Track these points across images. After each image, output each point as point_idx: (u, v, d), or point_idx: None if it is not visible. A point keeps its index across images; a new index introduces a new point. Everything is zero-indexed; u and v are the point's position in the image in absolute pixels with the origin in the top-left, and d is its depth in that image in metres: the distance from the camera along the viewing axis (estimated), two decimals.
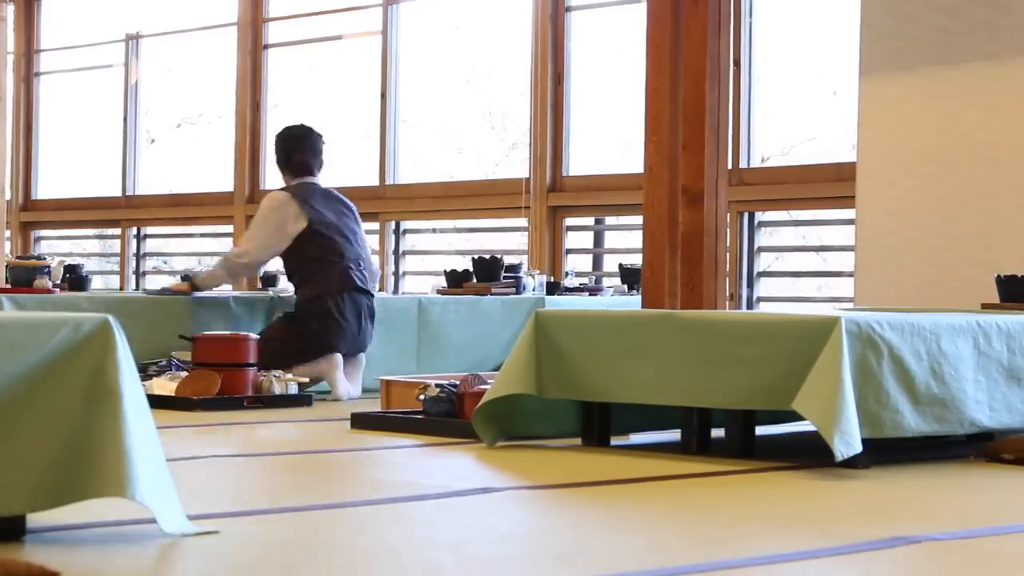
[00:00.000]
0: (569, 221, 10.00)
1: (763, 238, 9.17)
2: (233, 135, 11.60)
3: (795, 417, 4.58)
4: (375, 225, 10.77)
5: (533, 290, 8.42)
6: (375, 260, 7.54)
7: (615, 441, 5.05)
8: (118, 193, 12.46)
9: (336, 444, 5.18)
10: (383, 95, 10.82)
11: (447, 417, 5.43)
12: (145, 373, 6.54)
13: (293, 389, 6.59)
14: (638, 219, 7.57)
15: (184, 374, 6.48)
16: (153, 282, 11.75)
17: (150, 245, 12.55)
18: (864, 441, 4.34)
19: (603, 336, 4.88)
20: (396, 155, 10.84)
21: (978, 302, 6.04)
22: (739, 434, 4.73)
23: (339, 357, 6.97)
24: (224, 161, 11.69)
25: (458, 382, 5.54)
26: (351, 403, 6.70)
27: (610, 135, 10.09)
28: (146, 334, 6.88)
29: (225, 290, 8.41)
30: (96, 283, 11.27)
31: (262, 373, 6.54)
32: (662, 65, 6.50)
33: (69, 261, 10.32)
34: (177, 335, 6.85)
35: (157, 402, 6.13)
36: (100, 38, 12.73)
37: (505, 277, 8.34)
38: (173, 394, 6.33)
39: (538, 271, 8.98)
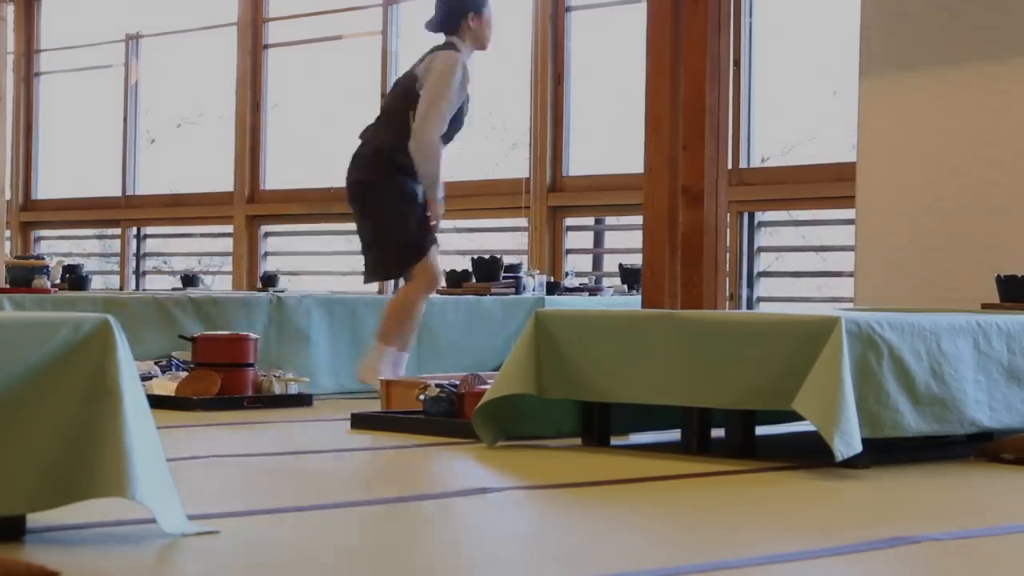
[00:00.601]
0: (569, 221, 10.00)
1: (763, 238, 9.17)
2: (233, 135, 11.60)
3: (795, 417, 4.58)
4: None
5: (533, 290, 8.42)
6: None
7: (615, 441, 5.05)
8: (118, 193, 12.46)
9: (336, 444, 5.18)
10: (383, 95, 10.81)
11: (447, 417, 5.43)
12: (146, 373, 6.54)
13: (293, 389, 6.59)
14: (638, 219, 7.57)
15: (184, 374, 6.48)
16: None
17: (150, 245, 12.55)
18: (864, 441, 4.34)
19: (603, 336, 4.88)
20: None
21: (978, 302, 6.04)
22: (739, 434, 4.73)
23: None
24: (224, 161, 11.69)
25: (458, 382, 5.54)
26: (353, 400, 6.69)
27: (610, 135, 10.09)
28: (146, 334, 6.89)
29: (225, 290, 8.41)
30: (96, 283, 11.27)
31: (262, 372, 6.54)
32: (662, 65, 6.50)
33: (69, 261, 10.33)
34: (177, 335, 6.86)
35: (157, 402, 6.14)
36: (100, 38, 12.73)
37: (505, 277, 8.34)
38: (173, 394, 6.32)
39: (538, 271, 8.98)
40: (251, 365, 6.48)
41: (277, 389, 6.52)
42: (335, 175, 11.26)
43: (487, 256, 8.43)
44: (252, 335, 6.58)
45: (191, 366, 6.53)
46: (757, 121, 9.14)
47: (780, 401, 4.50)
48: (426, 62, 6.67)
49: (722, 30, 6.49)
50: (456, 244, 10.97)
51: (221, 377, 6.34)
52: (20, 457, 2.96)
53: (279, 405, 6.48)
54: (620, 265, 9.20)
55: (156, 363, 6.76)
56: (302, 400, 6.58)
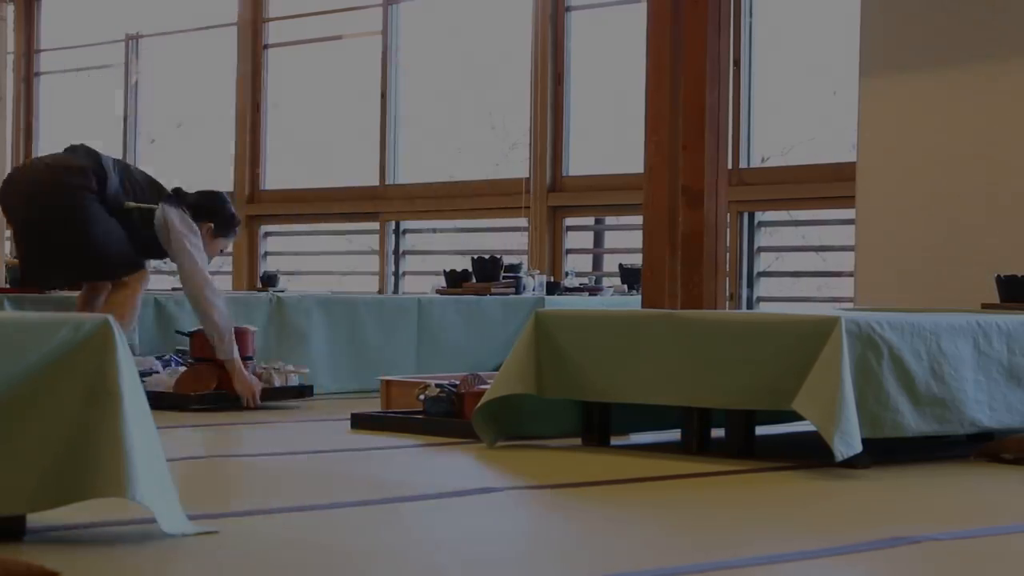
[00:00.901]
0: (569, 221, 10.00)
1: (763, 238, 9.17)
2: (233, 135, 11.60)
3: (795, 417, 4.58)
4: (375, 225, 10.77)
5: (533, 290, 8.42)
6: None
7: (615, 441, 5.05)
8: None
9: (336, 444, 5.18)
10: (383, 95, 10.81)
11: (447, 417, 5.43)
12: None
13: (294, 381, 6.59)
14: (638, 219, 7.57)
15: (183, 369, 6.48)
16: None
17: None
18: (864, 441, 4.34)
19: (603, 336, 4.88)
20: (396, 155, 10.84)
21: (978, 302, 6.04)
22: (739, 434, 4.73)
23: None
24: (224, 161, 11.69)
25: (458, 382, 5.54)
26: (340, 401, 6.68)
27: (610, 135, 10.09)
28: (146, 333, 6.89)
29: (225, 290, 8.40)
30: None
31: (261, 365, 6.54)
32: (662, 65, 6.50)
33: None
34: (175, 331, 6.85)
35: (156, 400, 6.12)
36: (100, 38, 12.73)
37: (505, 277, 8.33)
38: (171, 389, 6.29)
39: (538, 271, 8.98)
40: (250, 358, 6.47)
41: (277, 381, 6.53)
42: (335, 175, 11.28)
43: (487, 256, 8.43)
44: (251, 327, 6.57)
45: (189, 360, 6.52)
46: (757, 121, 9.14)
47: (780, 401, 4.50)
48: (164, 214, 6.52)
49: (722, 30, 6.49)
50: (456, 244, 10.97)
51: (219, 371, 6.33)
52: (20, 457, 2.96)
53: (280, 397, 6.48)
54: (620, 265, 9.20)
55: (157, 357, 6.77)
56: (303, 392, 6.57)
